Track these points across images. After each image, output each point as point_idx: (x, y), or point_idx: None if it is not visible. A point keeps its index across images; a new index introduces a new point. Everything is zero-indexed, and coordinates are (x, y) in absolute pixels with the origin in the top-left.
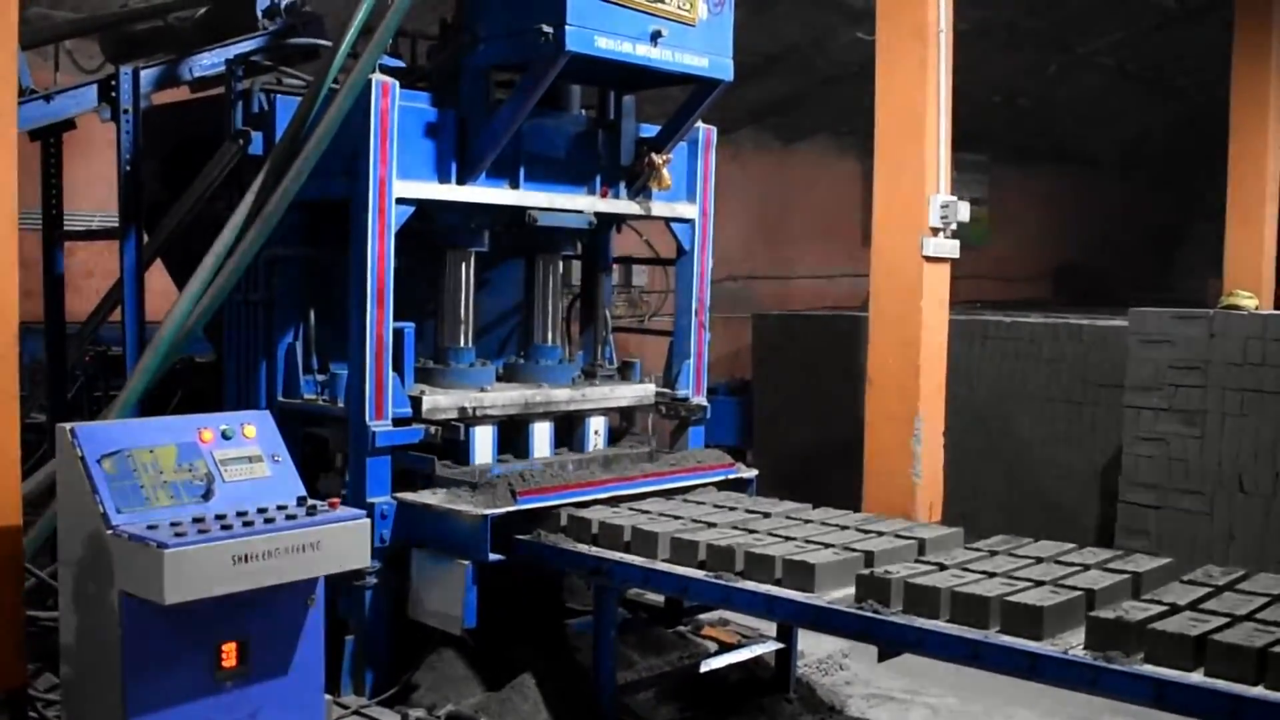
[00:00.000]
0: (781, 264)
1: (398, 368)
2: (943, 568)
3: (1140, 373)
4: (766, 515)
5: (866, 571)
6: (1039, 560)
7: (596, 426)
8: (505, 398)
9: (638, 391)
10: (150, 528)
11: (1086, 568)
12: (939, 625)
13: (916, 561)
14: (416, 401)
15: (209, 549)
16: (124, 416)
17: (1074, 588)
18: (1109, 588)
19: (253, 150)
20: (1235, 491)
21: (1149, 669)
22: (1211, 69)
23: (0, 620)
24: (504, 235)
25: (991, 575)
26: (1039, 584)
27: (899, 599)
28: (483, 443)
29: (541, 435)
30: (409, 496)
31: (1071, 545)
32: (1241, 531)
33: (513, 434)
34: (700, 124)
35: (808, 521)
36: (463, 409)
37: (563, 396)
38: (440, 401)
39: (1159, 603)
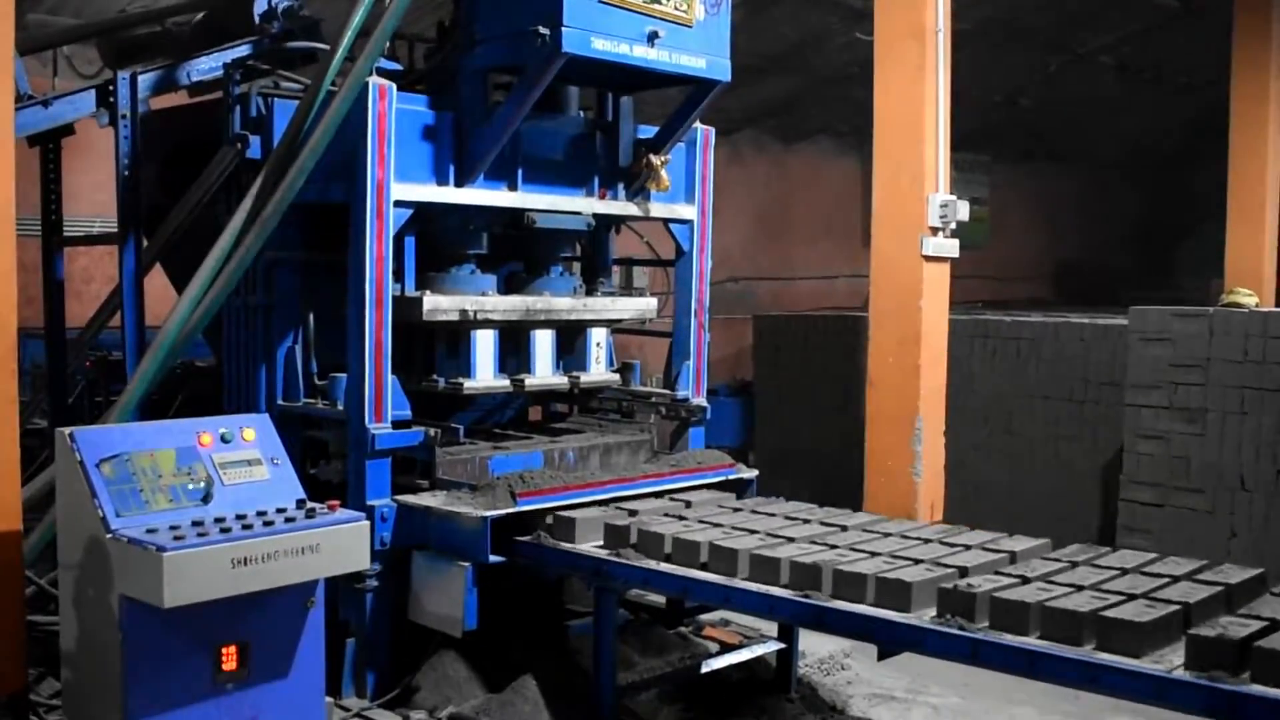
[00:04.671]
0: (782, 265)
1: (399, 274)
2: (1025, 580)
3: (1141, 371)
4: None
5: (950, 585)
6: (1123, 571)
7: (598, 339)
8: (507, 302)
9: (639, 305)
10: (149, 531)
11: (1175, 579)
12: (937, 624)
13: (996, 573)
14: (417, 302)
15: (208, 552)
16: (124, 420)
17: (1168, 601)
18: (1203, 601)
19: (251, 154)
20: (1236, 489)
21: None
22: (1212, 67)
23: (1, 625)
24: (503, 237)
25: (1079, 588)
26: (1130, 597)
27: (984, 614)
28: (484, 349)
29: (543, 345)
30: (409, 499)
31: (1153, 554)
32: (1243, 529)
33: (514, 345)
34: (698, 125)
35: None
36: (463, 311)
37: (564, 305)
38: (441, 303)
39: (1256, 618)
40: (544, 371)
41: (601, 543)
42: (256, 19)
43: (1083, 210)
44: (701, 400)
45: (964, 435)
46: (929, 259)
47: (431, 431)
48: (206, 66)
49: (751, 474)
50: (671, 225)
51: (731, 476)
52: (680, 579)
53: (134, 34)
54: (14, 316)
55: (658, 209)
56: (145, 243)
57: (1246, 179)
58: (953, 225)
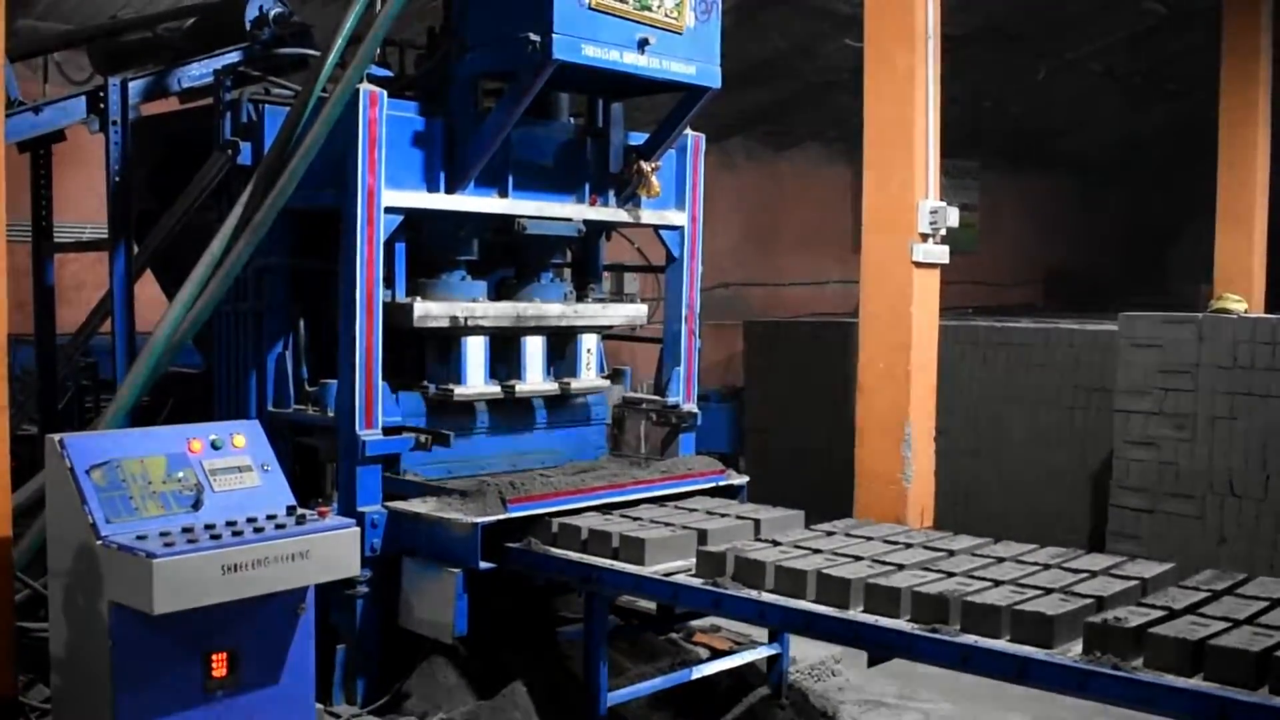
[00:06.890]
0: (773, 271)
1: (389, 280)
2: (1173, 614)
3: (1130, 377)
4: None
5: (1099, 619)
6: (1273, 602)
7: (589, 345)
8: (497, 309)
9: (630, 311)
10: (139, 538)
11: None
12: (925, 629)
13: (1140, 605)
14: (407, 309)
15: (198, 559)
16: (114, 427)
17: None
18: None
19: (241, 160)
20: (1226, 495)
21: None
22: (1200, 72)
23: None
24: (494, 244)
25: (1237, 623)
26: None
27: (1135, 651)
28: (474, 356)
29: (534, 351)
30: (399, 505)
31: None
32: (1232, 535)
33: (505, 351)
34: (689, 131)
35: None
36: (454, 318)
37: (554, 311)
38: (432, 309)
39: None
40: (534, 378)
41: (676, 566)
42: (247, 25)
43: (1073, 215)
44: (692, 406)
45: (954, 441)
46: (919, 265)
47: (421, 438)
48: (197, 73)
49: (742, 480)
50: (662, 231)
51: (722, 483)
52: (670, 585)
53: (125, 40)
54: (4, 322)
55: (648, 215)
56: (136, 249)
57: (1236, 184)
58: (943, 231)
